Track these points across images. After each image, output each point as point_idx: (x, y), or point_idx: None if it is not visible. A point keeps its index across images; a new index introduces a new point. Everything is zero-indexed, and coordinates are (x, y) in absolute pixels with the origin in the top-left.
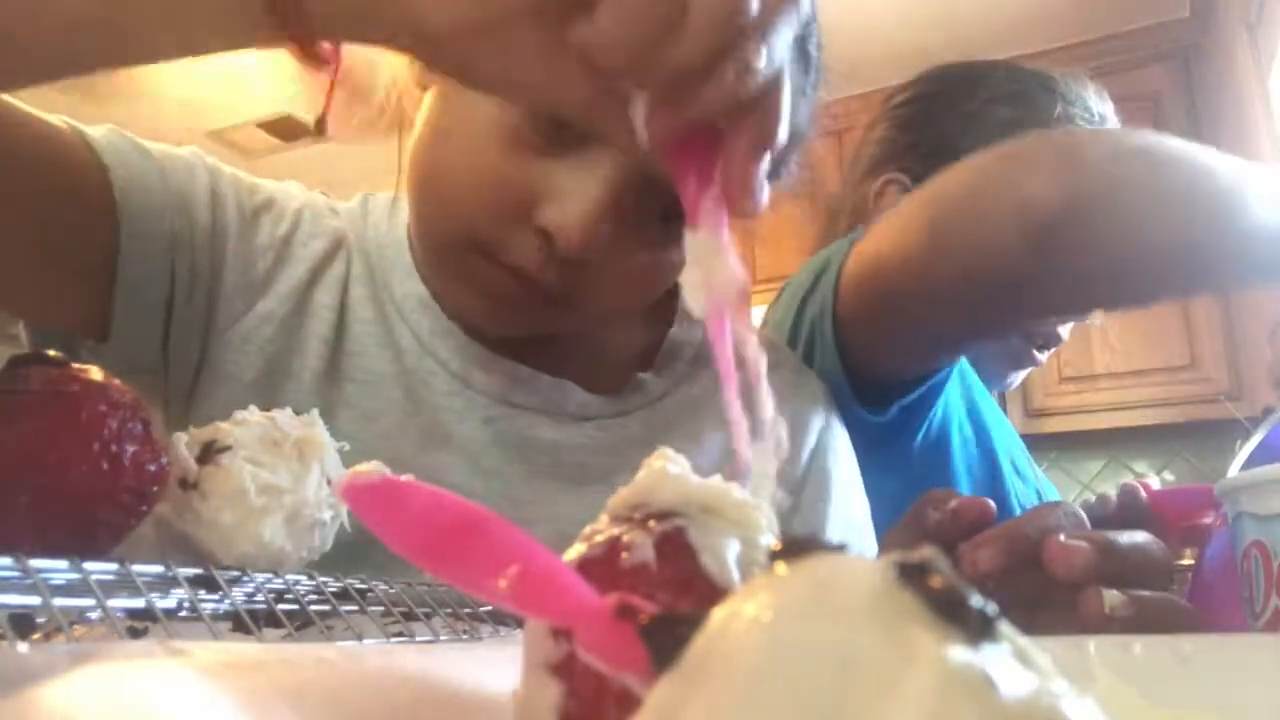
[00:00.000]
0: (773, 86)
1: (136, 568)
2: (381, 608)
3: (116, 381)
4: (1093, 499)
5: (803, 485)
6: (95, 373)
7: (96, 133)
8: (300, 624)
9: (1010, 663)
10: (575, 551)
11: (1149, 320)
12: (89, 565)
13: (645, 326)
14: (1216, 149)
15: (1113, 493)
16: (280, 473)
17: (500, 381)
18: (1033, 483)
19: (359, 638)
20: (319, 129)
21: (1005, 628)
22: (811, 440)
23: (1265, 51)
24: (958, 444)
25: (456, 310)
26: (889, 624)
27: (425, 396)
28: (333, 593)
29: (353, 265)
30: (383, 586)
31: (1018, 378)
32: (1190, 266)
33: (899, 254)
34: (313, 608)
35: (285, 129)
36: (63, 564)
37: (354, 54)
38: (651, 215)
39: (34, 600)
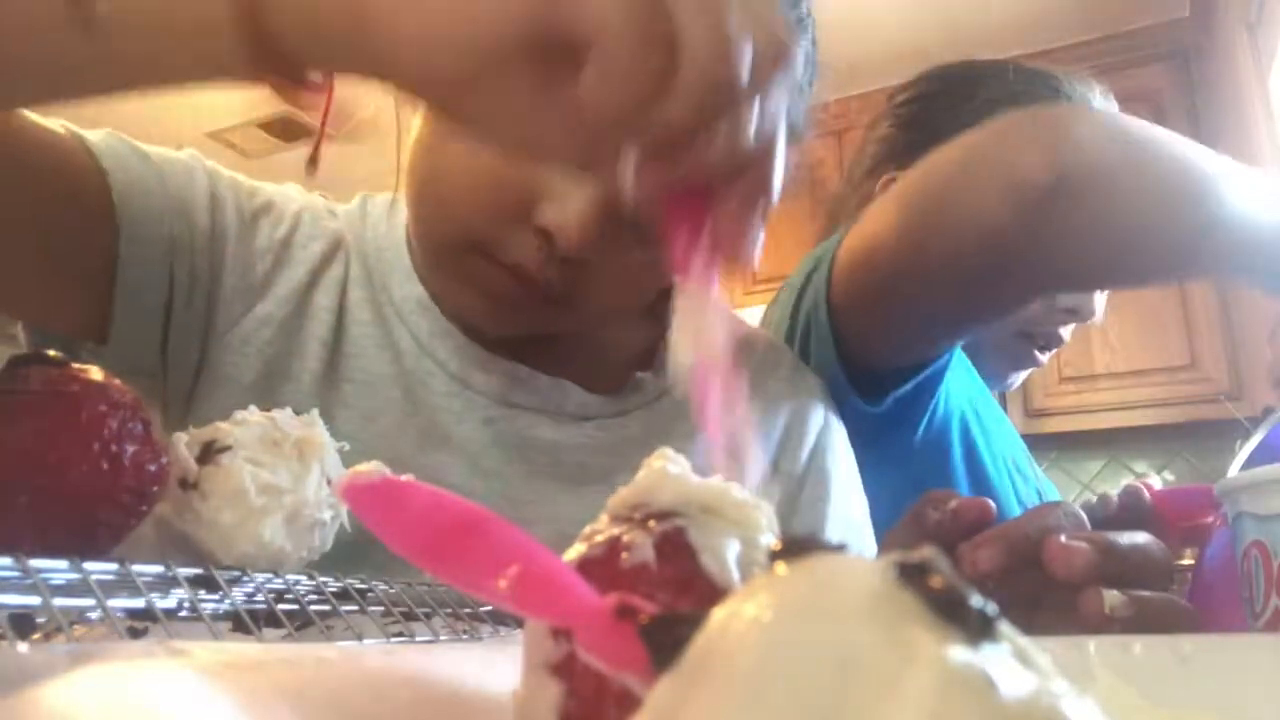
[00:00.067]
0: (767, 145)
1: (136, 568)
2: (381, 608)
3: (116, 381)
4: (1093, 499)
5: (802, 484)
6: (95, 373)
7: (95, 137)
8: (300, 624)
9: (1010, 663)
10: (575, 551)
11: (1149, 320)
12: (89, 565)
13: (644, 326)
14: (1216, 149)
15: (1113, 493)
16: (280, 473)
17: (499, 382)
18: (1034, 483)
19: (359, 638)
20: (310, 168)
21: (1005, 628)
22: (810, 439)
23: (1265, 51)
24: (959, 442)
25: (456, 311)
26: (889, 624)
27: (424, 397)
28: (333, 593)
29: (351, 267)
30: (383, 586)
31: (1019, 378)
32: (1174, 243)
33: (891, 234)
34: (313, 608)
35: (285, 129)
36: (63, 564)
37: None
38: None
39: (34, 600)
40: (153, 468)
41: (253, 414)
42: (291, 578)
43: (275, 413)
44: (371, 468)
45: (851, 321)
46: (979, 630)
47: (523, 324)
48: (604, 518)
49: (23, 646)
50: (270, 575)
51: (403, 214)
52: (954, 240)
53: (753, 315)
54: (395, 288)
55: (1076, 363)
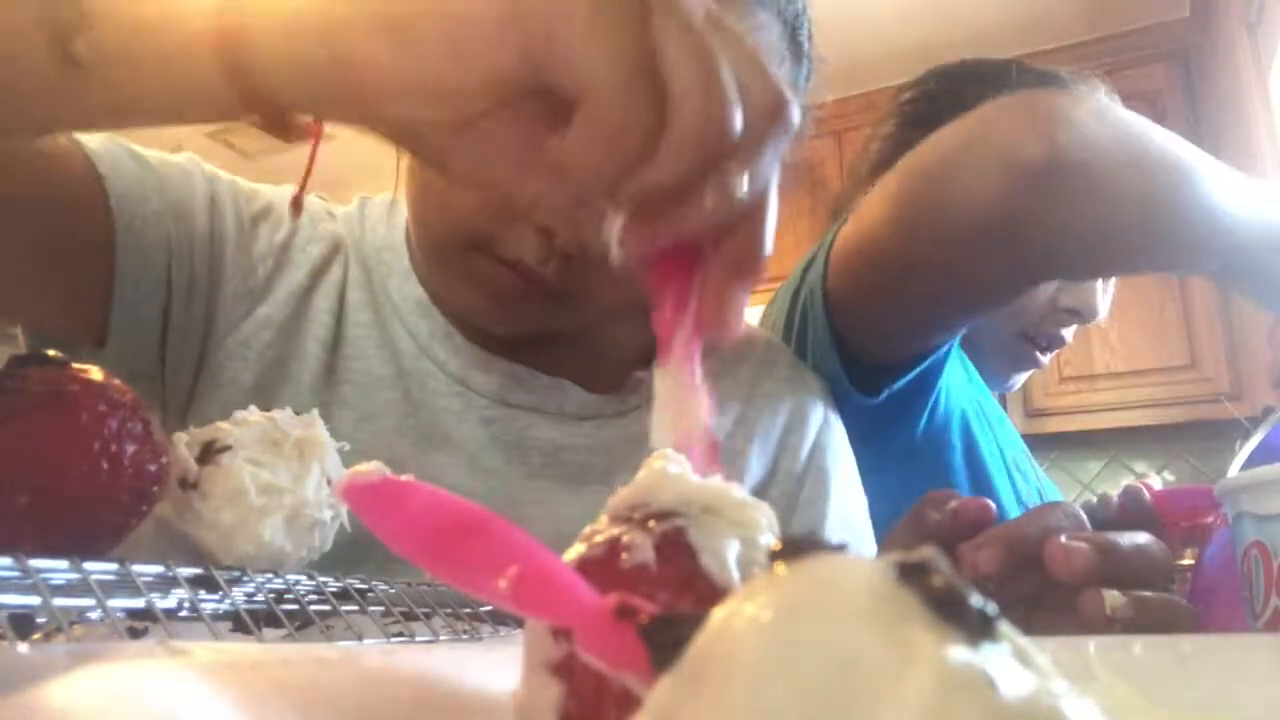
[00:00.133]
0: (757, 208)
1: (136, 568)
2: (381, 608)
3: (116, 381)
4: (1093, 499)
5: (801, 483)
6: (95, 373)
7: (93, 141)
8: (300, 624)
9: (1010, 663)
10: (575, 551)
11: (1149, 320)
12: (89, 565)
13: (642, 325)
14: (1217, 149)
15: (1113, 493)
16: (280, 473)
17: (499, 382)
18: (1034, 483)
19: (359, 638)
20: (294, 211)
21: (1005, 628)
22: (810, 438)
23: (1265, 51)
24: (959, 441)
25: (457, 311)
26: (889, 624)
27: (424, 398)
28: (333, 593)
29: (350, 269)
30: (383, 586)
31: (1020, 379)
32: (1168, 225)
33: (887, 219)
34: (313, 608)
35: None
36: (63, 564)
37: None
38: None
39: (34, 600)
40: (153, 468)
41: (253, 414)
42: (291, 578)
43: (275, 413)
44: (371, 468)
45: (848, 312)
46: (979, 630)
47: (524, 321)
48: (604, 518)
49: (23, 646)
50: (270, 575)
51: (401, 215)
52: (950, 222)
53: (753, 315)
54: (394, 289)
55: (1076, 363)
